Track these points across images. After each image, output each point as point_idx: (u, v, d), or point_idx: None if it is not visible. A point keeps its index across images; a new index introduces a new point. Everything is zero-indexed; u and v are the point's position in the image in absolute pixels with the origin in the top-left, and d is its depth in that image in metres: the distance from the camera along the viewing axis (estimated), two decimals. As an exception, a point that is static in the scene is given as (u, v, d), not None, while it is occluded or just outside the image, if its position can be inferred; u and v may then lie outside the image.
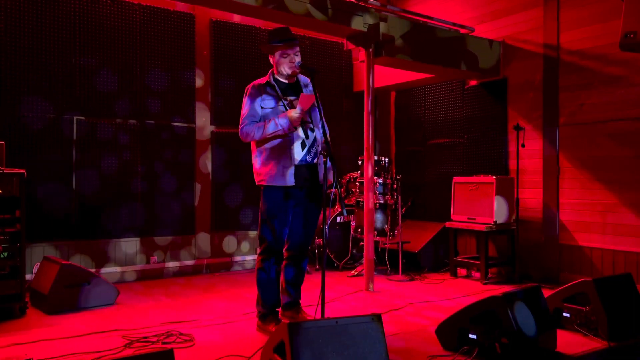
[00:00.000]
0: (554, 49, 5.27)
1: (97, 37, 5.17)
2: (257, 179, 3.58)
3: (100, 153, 5.18)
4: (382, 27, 4.88)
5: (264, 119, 3.48)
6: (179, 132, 5.64)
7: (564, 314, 3.54)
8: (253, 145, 3.60)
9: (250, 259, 6.01)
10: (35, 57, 4.87)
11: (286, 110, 3.48)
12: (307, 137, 3.54)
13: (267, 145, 3.49)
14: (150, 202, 5.43)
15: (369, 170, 4.90)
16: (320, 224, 5.81)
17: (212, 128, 5.85)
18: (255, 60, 5.99)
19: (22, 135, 4.79)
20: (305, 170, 3.53)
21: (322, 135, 3.61)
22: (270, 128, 3.40)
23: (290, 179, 3.45)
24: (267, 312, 3.58)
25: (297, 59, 3.55)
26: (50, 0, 4.93)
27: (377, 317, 2.52)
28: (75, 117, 5.06)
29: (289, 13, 4.29)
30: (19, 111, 4.79)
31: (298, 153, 3.49)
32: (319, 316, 3.11)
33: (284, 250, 3.72)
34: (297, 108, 3.41)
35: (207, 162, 5.82)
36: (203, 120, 5.80)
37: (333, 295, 4.57)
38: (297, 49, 3.57)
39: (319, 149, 3.59)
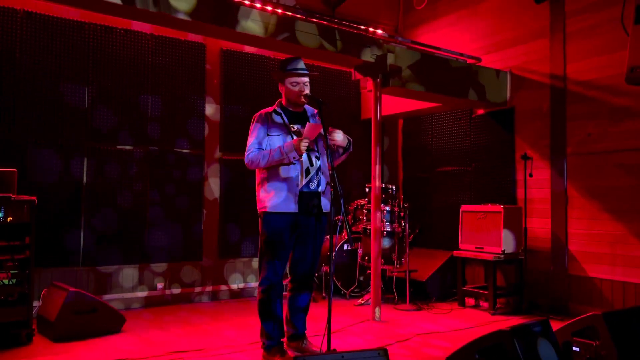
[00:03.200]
0: (560, 79, 5.31)
1: (110, 66, 5.27)
2: (259, 205, 3.57)
3: (109, 179, 5.23)
4: (390, 57, 4.94)
5: (270, 147, 3.50)
6: (188, 159, 5.69)
7: (574, 348, 3.48)
8: (257, 173, 3.62)
9: (256, 286, 5.98)
10: (49, 84, 4.96)
11: (292, 138, 3.50)
12: (311, 164, 3.55)
13: (271, 173, 3.50)
14: (158, 228, 5.46)
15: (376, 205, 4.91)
16: (325, 252, 5.82)
17: (220, 155, 5.91)
18: (264, 89, 6.07)
19: (32, 162, 4.85)
20: (309, 197, 3.53)
21: (327, 164, 3.63)
22: (276, 156, 3.41)
23: (294, 206, 3.45)
24: (271, 344, 3.54)
25: (306, 89, 3.60)
26: (64, 29, 5.05)
27: (384, 352, 2.50)
28: (86, 144, 5.13)
29: (297, 44, 4.37)
30: (30, 138, 4.87)
31: (302, 180, 3.50)
32: (325, 347, 3.09)
33: (288, 280, 3.70)
34: (303, 137, 3.43)
35: (215, 189, 5.86)
36: (212, 148, 5.86)
37: (339, 325, 4.54)
38: (307, 79, 3.62)
39: (324, 177, 3.60)
